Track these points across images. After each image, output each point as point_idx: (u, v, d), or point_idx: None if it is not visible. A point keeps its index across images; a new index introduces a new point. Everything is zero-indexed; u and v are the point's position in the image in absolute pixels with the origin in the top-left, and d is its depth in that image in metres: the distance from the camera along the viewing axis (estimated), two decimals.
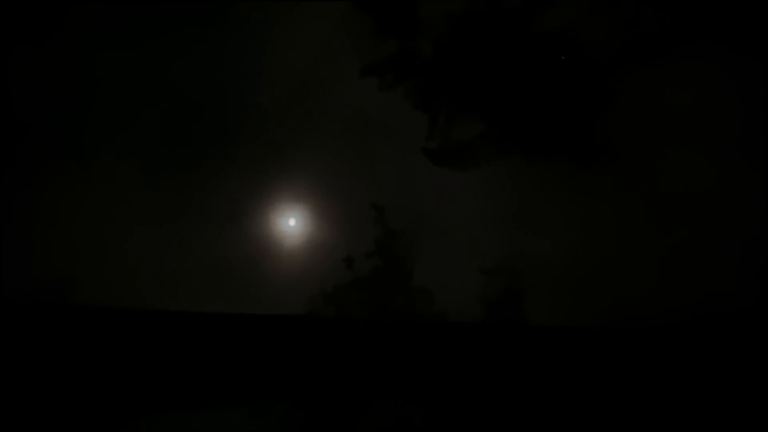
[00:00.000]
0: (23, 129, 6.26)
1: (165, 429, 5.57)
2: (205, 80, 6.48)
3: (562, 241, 6.18)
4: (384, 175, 6.40)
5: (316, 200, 6.39)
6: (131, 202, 6.27)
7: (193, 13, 6.49)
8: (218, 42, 6.51)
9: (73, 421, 5.53)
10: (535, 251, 6.17)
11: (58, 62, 6.38)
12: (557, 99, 6.36)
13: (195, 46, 6.47)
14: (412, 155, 6.43)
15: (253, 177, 6.39)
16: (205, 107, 6.45)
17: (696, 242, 6.01)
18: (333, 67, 6.52)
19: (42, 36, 6.36)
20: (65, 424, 5.52)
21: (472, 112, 6.48)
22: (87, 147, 6.34)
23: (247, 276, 6.19)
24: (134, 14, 6.46)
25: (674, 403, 5.65)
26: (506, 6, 6.40)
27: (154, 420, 5.61)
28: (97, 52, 6.42)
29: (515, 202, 6.29)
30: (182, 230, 6.25)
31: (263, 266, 6.24)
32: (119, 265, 6.15)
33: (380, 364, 5.91)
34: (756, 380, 5.59)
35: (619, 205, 6.17)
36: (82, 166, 6.27)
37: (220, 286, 6.16)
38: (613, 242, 6.12)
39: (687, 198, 6.08)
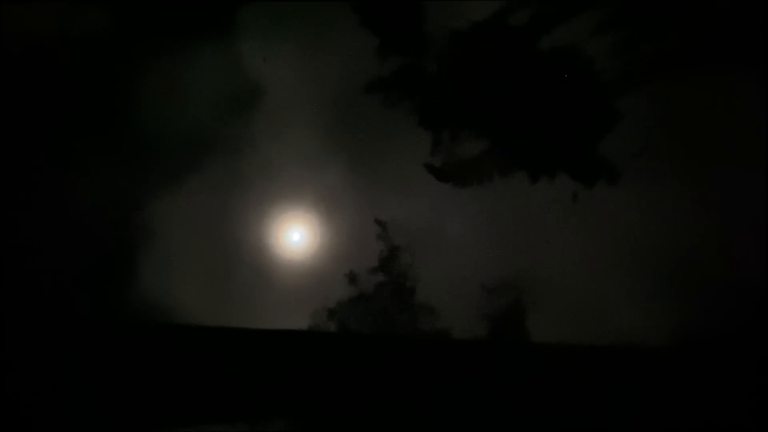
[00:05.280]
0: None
1: None
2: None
3: (565, 259, 6.17)
4: (388, 191, 6.41)
5: (320, 216, 6.40)
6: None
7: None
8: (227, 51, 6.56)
9: None
10: (538, 269, 6.16)
11: None
12: (562, 117, 6.39)
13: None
14: (416, 171, 6.45)
15: (255, 192, 6.41)
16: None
17: (700, 261, 6.01)
18: (338, 83, 6.56)
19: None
20: None
21: (476, 129, 6.50)
22: None
23: (251, 291, 6.19)
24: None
25: (677, 422, 5.63)
26: (511, 24, 6.45)
27: None
28: None
29: (519, 219, 6.29)
30: (185, 243, 6.26)
31: (266, 281, 6.23)
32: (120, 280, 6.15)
33: (382, 381, 5.88)
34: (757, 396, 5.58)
35: (623, 223, 6.17)
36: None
37: (223, 300, 6.15)
38: (616, 261, 6.11)
39: (692, 217, 6.08)
